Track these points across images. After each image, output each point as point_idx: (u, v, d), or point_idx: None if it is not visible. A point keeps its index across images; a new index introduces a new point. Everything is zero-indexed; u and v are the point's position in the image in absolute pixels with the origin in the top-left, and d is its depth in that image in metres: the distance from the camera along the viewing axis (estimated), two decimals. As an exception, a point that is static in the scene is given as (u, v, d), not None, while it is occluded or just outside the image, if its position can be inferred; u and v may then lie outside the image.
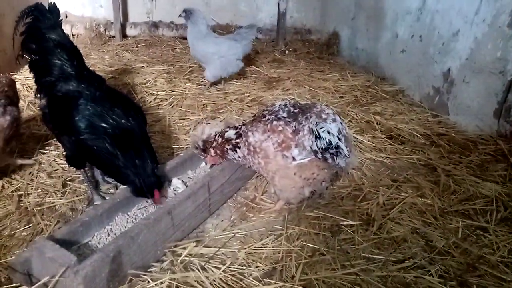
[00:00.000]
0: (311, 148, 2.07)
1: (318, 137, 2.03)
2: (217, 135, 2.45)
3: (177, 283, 1.81)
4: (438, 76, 3.84)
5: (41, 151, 2.84)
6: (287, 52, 5.76)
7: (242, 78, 4.59)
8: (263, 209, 2.47)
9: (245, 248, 2.09)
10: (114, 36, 5.83)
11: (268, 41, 6.21)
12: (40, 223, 2.19)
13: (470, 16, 3.48)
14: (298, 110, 2.21)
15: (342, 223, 2.32)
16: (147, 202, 2.32)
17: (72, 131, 2.13)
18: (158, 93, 4.02)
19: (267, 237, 2.20)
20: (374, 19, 5.04)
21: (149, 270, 1.93)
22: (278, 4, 5.87)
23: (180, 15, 4.13)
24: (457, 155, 3.06)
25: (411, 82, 4.27)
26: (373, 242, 2.18)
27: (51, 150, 2.87)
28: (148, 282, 1.82)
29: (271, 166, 2.19)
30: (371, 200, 2.53)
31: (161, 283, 1.81)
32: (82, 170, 2.37)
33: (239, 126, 2.41)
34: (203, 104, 3.84)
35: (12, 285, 1.72)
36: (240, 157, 2.33)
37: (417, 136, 3.34)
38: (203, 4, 6.20)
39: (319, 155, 2.07)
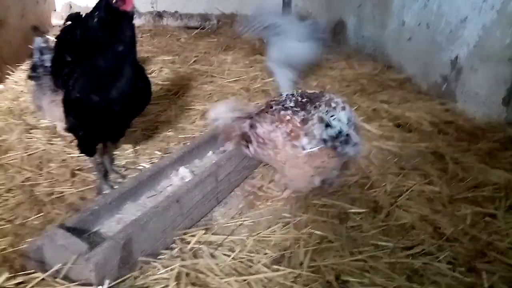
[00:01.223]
0: (320, 137, 2.07)
1: (328, 125, 2.02)
2: (236, 122, 2.41)
3: (187, 270, 1.83)
4: (446, 64, 3.80)
5: (50, 141, 2.86)
6: (292, 41, 5.71)
7: (247, 67, 4.57)
8: (271, 197, 2.48)
9: (253, 236, 2.10)
10: (118, 27, 5.81)
11: (273, 30, 6.15)
12: (50, 212, 2.21)
13: (478, 2, 3.43)
14: (306, 99, 2.20)
15: (350, 210, 2.33)
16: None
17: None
18: (164, 83, 4.01)
19: (275, 224, 2.21)
20: (380, 6, 4.98)
21: (159, 257, 1.95)
22: (283, -8, 5.83)
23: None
24: (465, 143, 3.04)
25: (418, 70, 4.23)
26: (381, 229, 2.19)
27: (59, 141, 2.88)
28: (158, 269, 1.84)
29: (280, 157, 2.19)
30: (379, 187, 2.53)
31: (171, 270, 1.83)
32: (92, 158, 2.38)
33: (252, 116, 2.36)
34: (209, 94, 3.84)
35: (26, 272, 1.74)
36: (252, 153, 2.34)
37: (424, 124, 3.32)
38: (208, -7, 6.18)
39: (329, 144, 2.07)
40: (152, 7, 6.15)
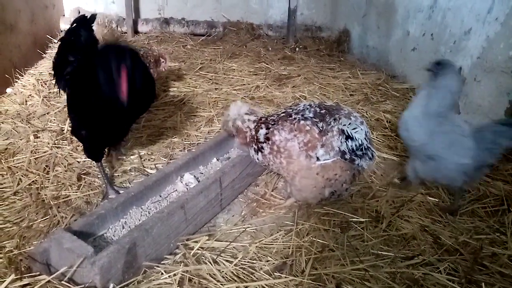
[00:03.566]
0: (339, 149, 2.10)
1: (350, 137, 2.06)
2: (250, 125, 2.42)
3: (190, 275, 1.86)
4: (449, 75, 3.83)
5: (56, 145, 2.91)
6: (297, 49, 5.77)
7: (252, 75, 4.62)
8: (273, 205, 2.50)
9: (256, 243, 2.13)
10: (126, 32, 5.89)
11: (278, 38, 6.22)
12: (56, 215, 2.25)
13: (482, 14, 3.46)
14: (324, 111, 2.23)
15: (351, 219, 2.35)
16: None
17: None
18: (170, 89, 4.06)
19: (277, 232, 2.24)
20: (385, 16, 5.03)
21: (162, 262, 1.98)
22: (289, 1, 5.88)
23: (429, 69, 2.42)
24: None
25: (422, 80, 4.25)
26: (382, 239, 2.21)
27: (66, 145, 2.93)
28: (162, 274, 1.87)
29: (293, 166, 2.21)
30: (381, 197, 2.55)
31: (174, 275, 1.85)
32: (98, 163, 2.42)
33: (270, 125, 2.32)
34: (214, 101, 3.88)
35: (31, 274, 1.77)
36: (259, 159, 2.37)
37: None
38: (214, 1, 6.23)
39: (347, 156, 2.10)
40: (160, 13, 6.21)
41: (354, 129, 2.07)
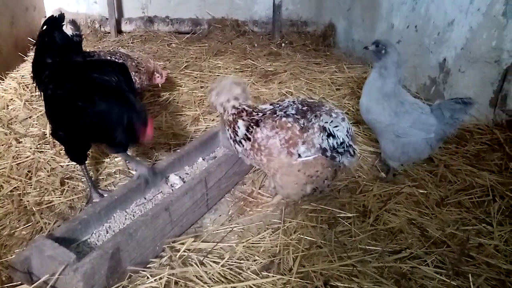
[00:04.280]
0: (320, 146, 2.09)
1: (331, 135, 2.06)
2: (229, 110, 2.30)
3: (176, 278, 1.84)
4: (434, 66, 3.84)
5: (39, 149, 2.85)
6: (283, 45, 5.75)
7: (238, 72, 4.59)
8: (261, 203, 2.49)
9: (243, 242, 2.11)
10: (109, 32, 5.80)
11: (264, 34, 6.18)
12: (39, 221, 2.21)
13: (465, 5, 3.47)
14: (306, 107, 2.21)
15: (339, 215, 2.35)
16: (144, 199, 2.33)
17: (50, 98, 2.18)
18: (154, 88, 4.01)
19: (265, 230, 2.22)
20: (369, 9, 5.02)
21: (148, 266, 1.95)
22: (274, -4, 5.85)
23: (366, 47, 2.63)
24: (453, 145, 3.08)
25: (407, 72, 4.26)
26: (369, 234, 2.21)
27: (48, 149, 2.87)
28: (148, 278, 1.85)
29: (273, 164, 2.19)
30: (368, 191, 2.55)
31: (160, 278, 1.83)
32: (82, 166, 2.37)
33: (251, 124, 2.25)
34: (200, 99, 3.84)
35: (13, 284, 1.74)
36: (240, 151, 2.32)
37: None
38: (199, -3, 6.18)
39: (328, 153, 2.09)
40: (143, 12, 6.13)
41: (335, 127, 2.07)
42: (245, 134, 2.22)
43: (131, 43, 5.52)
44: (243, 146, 2.26)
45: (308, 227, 2.24)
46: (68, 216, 2.29)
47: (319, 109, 2.16)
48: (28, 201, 2.36)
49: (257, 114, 2.26)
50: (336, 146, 2.06)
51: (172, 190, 2.39)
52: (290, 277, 1.88)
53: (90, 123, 2.07)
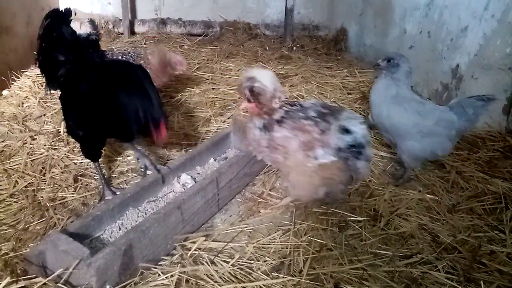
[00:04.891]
0: (335, 145, 2.08)
1: (347, 131, 2.05)
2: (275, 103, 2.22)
3: (187, 276, 1.85)
4: (447, 72, 3.83)
5: (53, 147, 2.89)
6: (294, 48, 5.76)
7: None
8: (271, 205, 2.49)
9: (253, 243, 2.12)
10: (122, 33, 5.88)
11: (275, 37, 6.21)
12: (53, 217, 2.24)
13: (479, 11, 3.46)
14: (327, 111, 2.20)
15: (349, 218, 2.34)
16: (154, 197, 2.36)
17: (71, 94, 2.21)
18: (167, 89, 4.05)
19: (275, 232, 2.23)
20: (382, 15, 5.02)
21: (159, 263, 1.96)
22: (286, 0, 5.87)
23: (377, 64, 2.72)
24: (465, 152, 3.06)
25: (419, 78, 4.25)
26: (380, 238, 2.20)
27: (62, 147, 2.91)
28: (159, 275, 1.86)
29: (290, 162, 2.18)
30: (378, 196, 2.55)
31: (171, 276, 1.84)
32: (95, 164, 2.41)
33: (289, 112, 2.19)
34: (211, 101, 3.87)
35: (27, 277, 1.76)
36: (255, 134, 2.25)
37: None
38: (211, 1, 6.22)
39: (343, 153, 2.08)
40: (156, 14, 6.20)
41: (351, 123, 2.06)
42: (277, 120, 2.18)
43: (144, 44, 5.58)
44: (263, 135, 2.22)
45: (319, 230, 2.25)
46: (81, 213, 2.32)
47: (340, 113, 2.16)
48: (42, 196, 2.40)
49: (289, 106, 2.23)
50: (351, 144, 2.05)
51: (184, 189, 2.41)
52: (301, 279, 1.89)
53: (110, 116, 2.09)
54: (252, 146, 2.29)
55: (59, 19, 2.42)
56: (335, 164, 2.13)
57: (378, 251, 2.11)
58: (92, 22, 3.14)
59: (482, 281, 1.90)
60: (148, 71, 3.35)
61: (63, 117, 2.41)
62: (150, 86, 2.18)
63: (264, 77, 2.20)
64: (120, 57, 3.35)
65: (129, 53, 3.44)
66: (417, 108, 2.56)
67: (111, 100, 2.07)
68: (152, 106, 2.09)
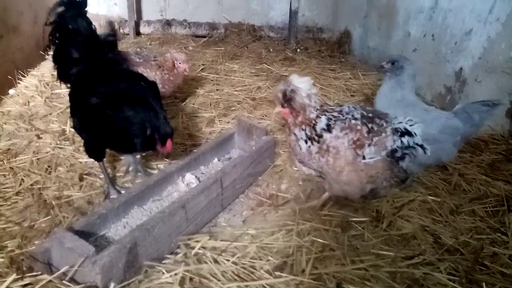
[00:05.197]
0: (391, 147, 2.16)
1: (406, 133, 2.13)
2: (314, 109, 2.24)
3: (190, 275, 1.87)
4: (450, 75, 3.84)
5: (59, 145, 2.92)
6: (298, 50, 5.78)
7: (253, 76, 4.63)
8: (274, 205, 2.51)
9: (257, 242, 2.13)
10: (128, 34, 5.92)
11: (279, 39, 6.24)
12: (58, 215, 2.26)
13: (483, 14, 3.47)
14: (371, 114, 2.27)
15: (352, 219, 2.36)
16: (159, 196, 2.37)
17: (77, 104, 2.20)
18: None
19: (278, 232, 2.24)
20: (386, 17, 5.04)
21: (163, 262, 1.98)
22: (290, 2, 5.89)
23: (381, 66, 2.79)
24: (468, 154, 3.07)
25: (423, 81, 4.26)
26: (382, 239, 2.21)
27: (68, 145, 2.94)
28: (163, 273, 1.87)
29: (340, 162, 2.21)
30: (381, 197, 2.56)
31: (176, 274, 1.86)
32: (100, 163, 2.43)
33: (333, 118, 2.24)
34: (216, 102, 3.89)
35: (33, 274, 1.78)
36: (302, 147, 2.26)
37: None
38: (216, 2, 6.25)
39: (398, 154, 2.17)
40: (161, 15, 6.24)
41: (411, 125, 2.14)
42: (323, 129, 2.21)
43: (149, 45, 5.62)
44: (311, 147, 2.24)
45: (321, 230, 2.26)
46: (86, 211, 2.34)
47: (386, 116, 2.24)
48: (47, 195, 2.42)
49: (333, 111, 2.27)
50: (411, 144, 2.13)
51: (188, 188, 2.43)
52: (303, 278, 1.90)
53: (115, 130, 2.14)
54: (300, 157, 2.33)
55: (75, 8, 2.37)
56: (380, 163, 2.19)
57: (380, 251, 2.12)
58: (110, 23, 3.20)
59: (484, 283, 1.90)
60: (163, 74, 3.40)
61: (69, 114, 2.43)
62: (156, 101, 2.21)
63: (299, 83, 2.24)
64: (136, 58, 3.42)
65: (143, 54, 3.50)
66: (421, 116, 2.47)
67: (117, 116, 2.10)
68: (158, 121, 2.13)
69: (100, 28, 2.55)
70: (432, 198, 2.56)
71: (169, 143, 2.20)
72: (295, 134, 2.28)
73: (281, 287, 1.86)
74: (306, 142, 2.24)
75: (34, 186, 2.48)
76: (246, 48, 5.71)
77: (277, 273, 1.94)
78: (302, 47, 5.89)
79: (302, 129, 2.25)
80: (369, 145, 2.17)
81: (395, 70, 2.66)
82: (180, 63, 3.54)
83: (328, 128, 2.19)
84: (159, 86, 3.35)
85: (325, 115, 2.24)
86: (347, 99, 4.04)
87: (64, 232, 1.83)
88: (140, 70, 3.33)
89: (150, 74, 3.38)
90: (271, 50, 5.68)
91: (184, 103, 3.84)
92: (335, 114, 2.26)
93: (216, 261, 1.98)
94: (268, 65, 4.98)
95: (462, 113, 2.56)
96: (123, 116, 2.10)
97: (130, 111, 2.11)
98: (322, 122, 2.21)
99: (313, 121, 2.22)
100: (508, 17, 3.23)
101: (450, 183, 2.73)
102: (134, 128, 2.12)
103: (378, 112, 2.30)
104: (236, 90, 4.18)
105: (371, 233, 2.25)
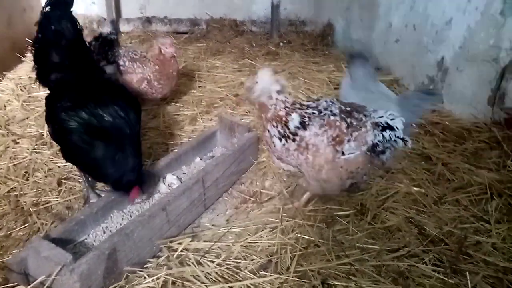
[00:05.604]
0: (372, 142, 2.12)
1: (388, 128, 2.09)
2: (278, 104, 2.20)
3: (173, 278, 1.83)
4: (432, 65, 3.84)
5: (36, 150, 2.85)
6: (281, 44, 5.73)
7: (236, 71, 4.58)
8: (258, 203, 2.48)
9: (241, 242, 2.11)
10: (107, 33, 5.80)
11: (262, 33, 6.18)
12: (36, 222, 2.20)
13: (462, 4, 3.46)
14: (349, 108, 2.23)
15: (336, 213, 2.34)
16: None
17: (53, 119, 2.11)
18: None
19: (262, 230, 2.22)
20: (368, 9, 5.02)
21: (145, 266, 1.95)
22: (272, -4, 5.84)
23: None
24: (451, 144, 3.07)
25: (405, 71, 4.26)
26: (367, 232, 2.20)
27: (46, 150, 2.87)
28: (145, 278, 1.84)
29: (319, 160, 2.16)
30: (365, 190, 2.55)
31: (157, 278, 1.82)
32: (79, 167, 2.36)
33: (307, 115, 2.19)
34: (198, 99, 3.84)
35: (9, 285, 1.73)
36: (276, 145, 2.23)
37: (411, 125, 3.33)
38: (197, -3, 6.17)
39: (378, 148, 2.13)
40: (141, 12, 6.12)
41: (392, 119, 2.10)
42: (297, 127, 2.17)
43: (129, 43, 5.51)
44: (286, 144, 2.20)
45: (306, 226, 2.24)
46: (65, 217, 2.28)
47: (365, 109, 2.21)
48: (25, 201, 2.36)
49: (307, 108, 2.23)
50: (392, 138, 2.09)
51: (170, 190, 2.38)
52: (288, 276, 1.88)
53: (84, 160, 2.10)
54: (278, 154, 2.28)
55: (59, 8, 2.26)
56: (360, 158, 2.16)
57: (365, 245, 2.11)
58: (112, 23, 3.15)
59: (467, 272, 1.91)
60: (152, 66, 3.30)
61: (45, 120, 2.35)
62: (133, 142, 2.12)
63: (262, 79, 2.22)
64: (129, 55, 3.35)
65: (135, 52, 3.43)
66: (364, 97, 2.62)
67: (88, 150, 2.03)
68: (125, 167, 2.05)
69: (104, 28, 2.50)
70: (416, 189, 2.56)
71: (134, 191, 2.12)
72: (268, 131, 2.25)
73: (266, 287, 1.84)
74: (280, 139, 2.20)
75: (11, 193, 2.42)
76: (228, 43, 5.64)
77: (262, 272, 1.92)
78: (285, 41, 5.84)
79: (274, 126, 2.21)
80: (349, 140, 2.13)
81: (350, 65, 2.95)
82: (166, 48, 3.33)
83: (303, 126, 2.16)
84: (155, 83, 3.33)
85: (296, 111, 2.19)
86: (330, 91, 4.02)
87: (41, 240, 1.78)
88: (136, 65, 3.31)
89: (145, 69, 3.33)
90: (254, 44, 5.63)
91: (166, 101, 3.77)
92: (310, 110, 2.21)
93: (199, 263, 1.95)
94: (251, 60, 4.93)
95: (403, 99, 2.70)
96: (93, 157, 2.03)
97: (101, 151, 2.02)
98: (294, 120, 2.17)
99: (284, 119, 2.18)
100: (486, 6, 3.23)
101: (434, 173, 2.73)
102: (102, 168, 2.06)
103: (356, 105, 2.26)
104: (218, 87, 4.12)
105: (356, 227, 2.24)
